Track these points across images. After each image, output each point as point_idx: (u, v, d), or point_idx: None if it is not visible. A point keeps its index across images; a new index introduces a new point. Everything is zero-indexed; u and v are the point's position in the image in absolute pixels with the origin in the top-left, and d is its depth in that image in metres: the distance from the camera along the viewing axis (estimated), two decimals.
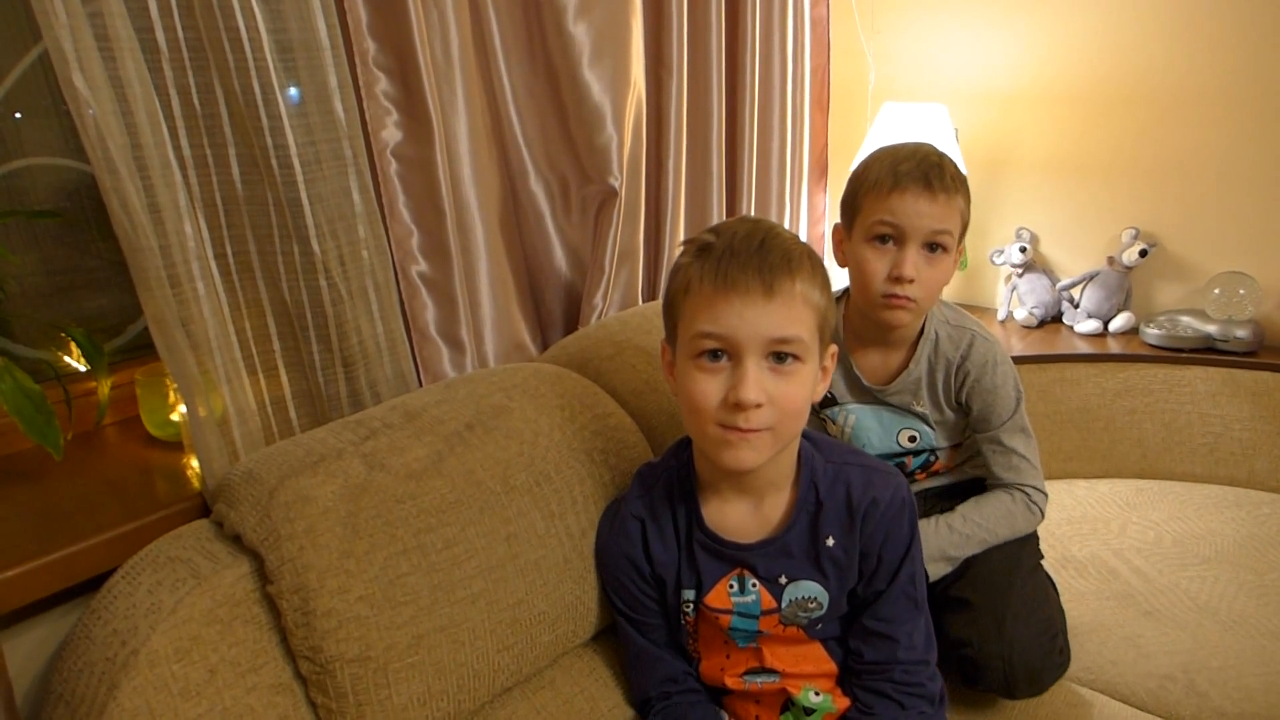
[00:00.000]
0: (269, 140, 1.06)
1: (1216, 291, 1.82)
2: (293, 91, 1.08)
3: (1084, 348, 1.90)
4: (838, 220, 1.26)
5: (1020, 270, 2.07)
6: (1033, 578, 1.27)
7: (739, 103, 1.82)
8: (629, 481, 1.11)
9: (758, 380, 0.87)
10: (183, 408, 1.07)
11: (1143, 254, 1.90)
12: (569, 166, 1.54)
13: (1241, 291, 1.80)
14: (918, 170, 1.14)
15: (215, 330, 1.06)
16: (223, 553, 0.95)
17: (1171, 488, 1.75)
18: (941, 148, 1.20)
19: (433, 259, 1.33)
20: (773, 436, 0.90)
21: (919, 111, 1.96)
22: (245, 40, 1.02)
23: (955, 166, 1.17)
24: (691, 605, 1.04)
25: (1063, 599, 1.35)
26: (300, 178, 1.09)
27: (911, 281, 1.14)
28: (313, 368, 1.18)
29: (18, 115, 1.23)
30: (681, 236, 1.74)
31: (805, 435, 1.00)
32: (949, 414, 1.29)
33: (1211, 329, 1.79)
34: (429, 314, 1.35)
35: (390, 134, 1.26)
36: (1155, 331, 1.84)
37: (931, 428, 1.30)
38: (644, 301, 1.69)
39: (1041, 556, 1.33)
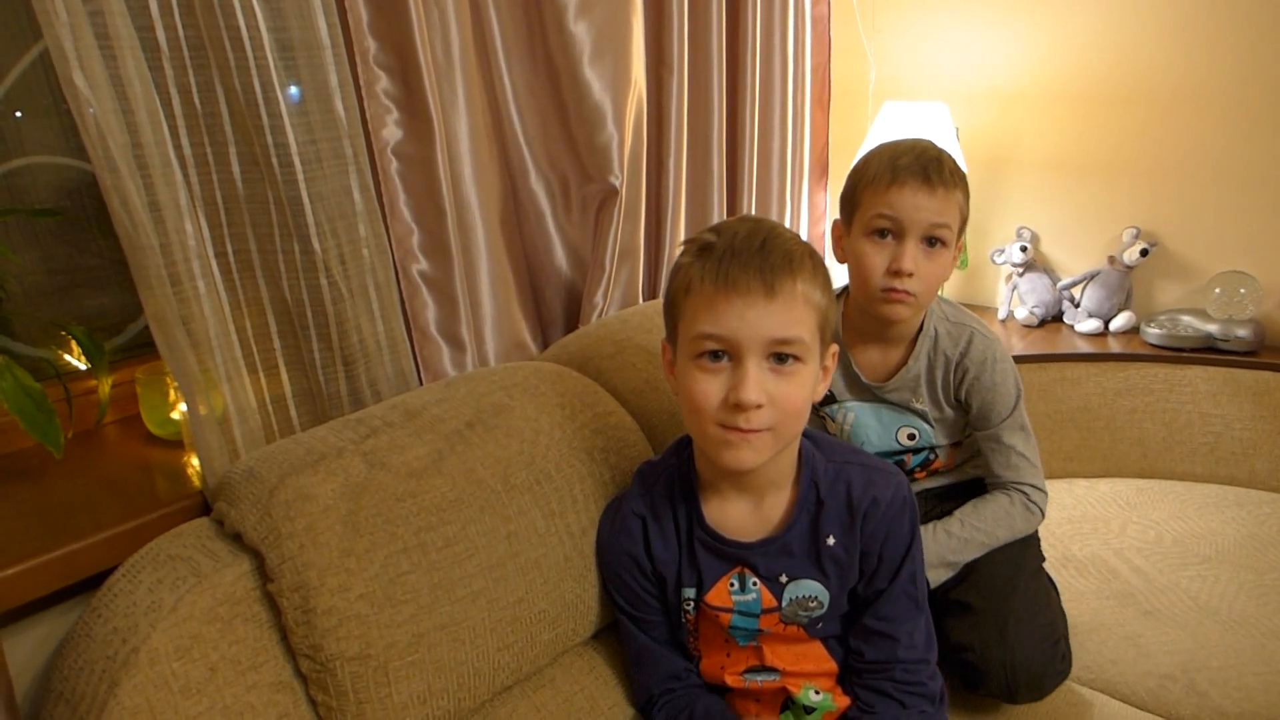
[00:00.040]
0: (269, 139, 1.06)
1: (1217, 291, 1.82)
2: (293, 90, 1.08)
3: (1085, 347, 1.90)
4: (837, 217, 1.27)
5: (1021, 269, 2.07)
6: (1035, 581, 1.27)
7: (740, 101, 1.82)
8: (629, 480, 1.11)
9: (758, 381, 0.87)
10: (183, 406, 1.07)
11: (1143, 253, 1.90)
12: (569, 165, 1.54)
13: (1242, 291, 1.80)
14: (916, 164, 1.14)
15: (216, 329, 1.06)
16: (223, 551, 0.95)
17: (1172, 487, 1.75)
18: (942, 146, 1.20)
19: (433, 257, 1.33)
20: (773, 437, 0.90)
21: (920, 110, 1.96)
22: (246, 39, 1.02)
23: (954, 161, 1.17)
24: (692, 603, 1.04)
25: (1063, 598, 1.35)
26: (301, 176, 1.09)
27: (910, 275, 1.15)
28: (313, 366, 1.18)
29: (18, 114, 1.23)
30: (682, 235, 1.74)
31: (806, 434, 1.00)
32: (948, 411, 1.29)
33: (1212, 328, 1.79)
34: (429, 312, 1.35)
35: (391, 132, 1.26)
36: (1156, 331, 1.84)
37: (931, 425, 1.30)
38: (644, 300, 1.69)
39: (1043, 559, 1.33)
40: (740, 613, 1.02)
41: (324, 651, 0.89)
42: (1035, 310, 2.03)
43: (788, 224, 2.02)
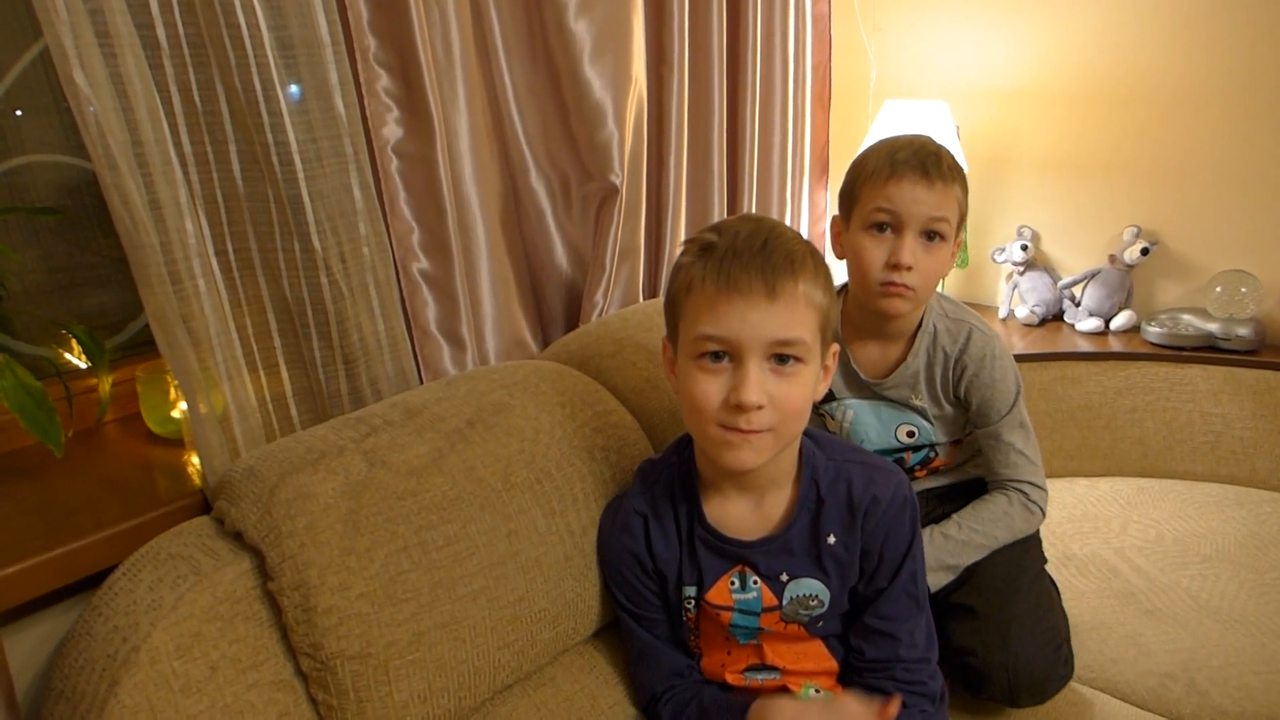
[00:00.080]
0: (270, 137, 1.06)
1: (1218, 290, 1.82)
2: (293, 88, 1.08)
3: (1085, 346, 1.90)
4: (836, 213, 1.27)
5: (1021, 268, 2.06)
6: (1037, 584, 1.27)
7: (740, 100, 1.81)
8: (630, 479, 1.11)
9: (759, 382, 0.87)
10: (183, 404, 1.07)
11: (1144, 252, 1.90)
12: (570, 164, 1.54)
13: (1243, 290, 1.79)
14: (915, 158, 1.14)
15: (216, 327, 1.06)
16: (224, 550, 0.95)
17: (1172, 486, 1.75)
18: (941, 143, 1.20)
19: (434, 256, 1.33)
20: (774, 437, 0.90)
21: (920, 109, 1.96)
22: (246, 37, 1.02)
23: (952, 157, 1.18)
24: (693, 602, 1.04)
25: (1064, 597, 1.35)
26: (301, 174, 1.09)
27: (909, 269, 1.15)
28: (313, 365, 1.18)
29: (18, 112, 1.23)
30: (682, 234, 1.74)
31: (807, 433, 1.00)
32: (947, 408, 1.29)
33: (1213, 327, 1.79)
34: (430, 311, 1.35)
35: (391, 131, 1.26)
36: (1156, 330, 1.84)
37: (930, 422, 1.30)
38: (645, 299, 1.69)
39: (1045, 560, 1.33)
40: (741, 611, 1.02)
41: (324, 650, 0.89)
42: (1036, 309, 2.03)
43: (788, 223, 2.02)
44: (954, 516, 1.25)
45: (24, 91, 1.22)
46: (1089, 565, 1.50)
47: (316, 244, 1.12)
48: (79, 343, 1.16)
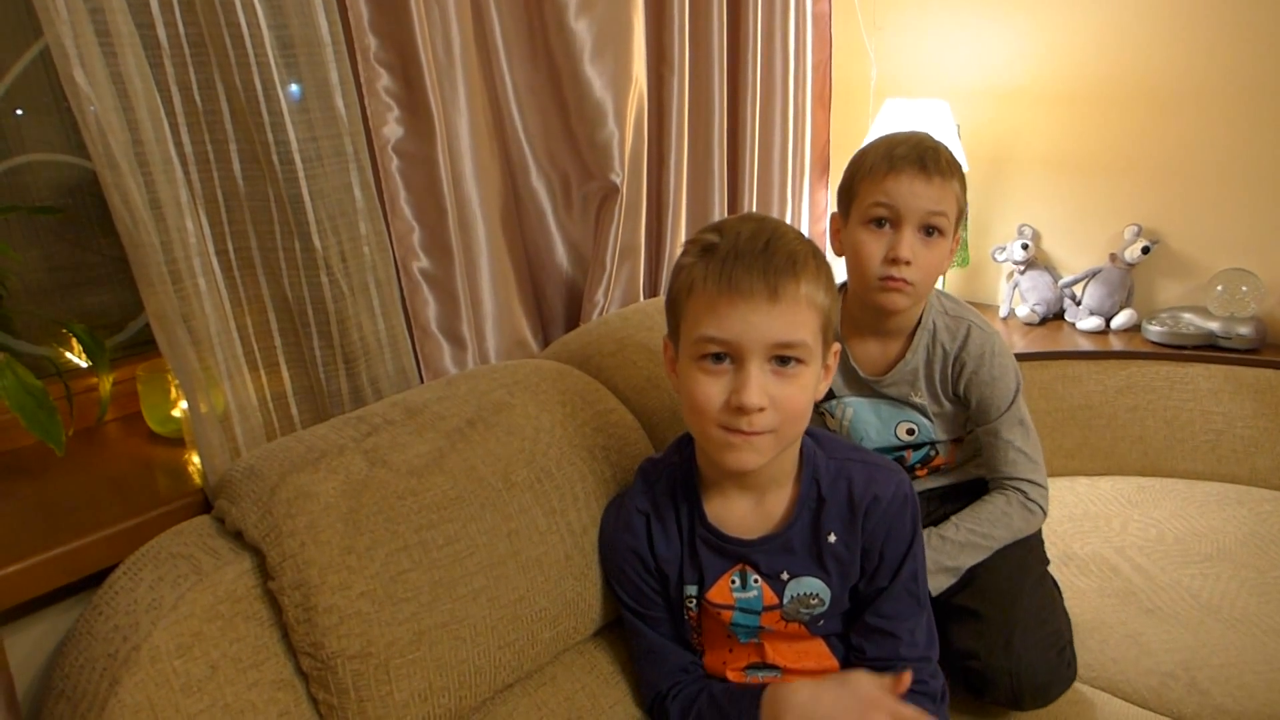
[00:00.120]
0: (270, 136, 1.06)
1: (1219, 288, 1.82)
2: (294, 87, 1.08)
3: (1086, 345, 1.90)
4: (835, 210, 1.27)
5: (1022, 267, 2.06)
6: (1040, 587, 1.27)
7: (740, 99, 1.81)
8: (630, 478, 1.11)
9: (760, 384, 0.87)
10: (184, 404, 1.07)
11: (1145, 251, 1.90)
12: (570, 163, 1.54)
13: (1244, 288, 1.79)
14: (913, 153, 1.15)
15: (217, 326, 1.06)
16: (224, 549, 0.95)
17: (1173, 485, 1.75)
18: (939, 140, 1.20)
19: (434, 255, 1.33)
20: (775, 439, 0.90)
21: (921, 108, 1.96)
22: (246, 36, 1.01)
23: (950, 153, 1.18)
24: (694, 601, 1.04)
25: (1064, 596, 1.34)
26: (301, 174, 1.09)
27: (908, 263, 1.15)
28: (314, 364, 1.18)
29: (19, 111, 1.23)
30: (683, 233, 1.74)
31: (808, 432, 0.99)
32: (947, 406, 1.29)
33: (1214, 326, 1.79)
34: (430, 310, 1.35)
35: (392, 130, 1.26)
36: (1157, 329, 1.84)
37: (930, 420, 1.30)
38: (645, 298, 1.69)
39: (1047, 561, 1.32)
40: (741, 610, 1.02)
41: (325, 649, 0.89)
42: (1036, 308, 2.03)
43: (789, 222, 2.02)
44: (952, 518, 1.25)
45: (24, 91, 1.22)
46: (1090, 564, 1.50)
47: (317, 243, 1.12)
48: (79, 342, 1.16)
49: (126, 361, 1.29)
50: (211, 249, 1.08)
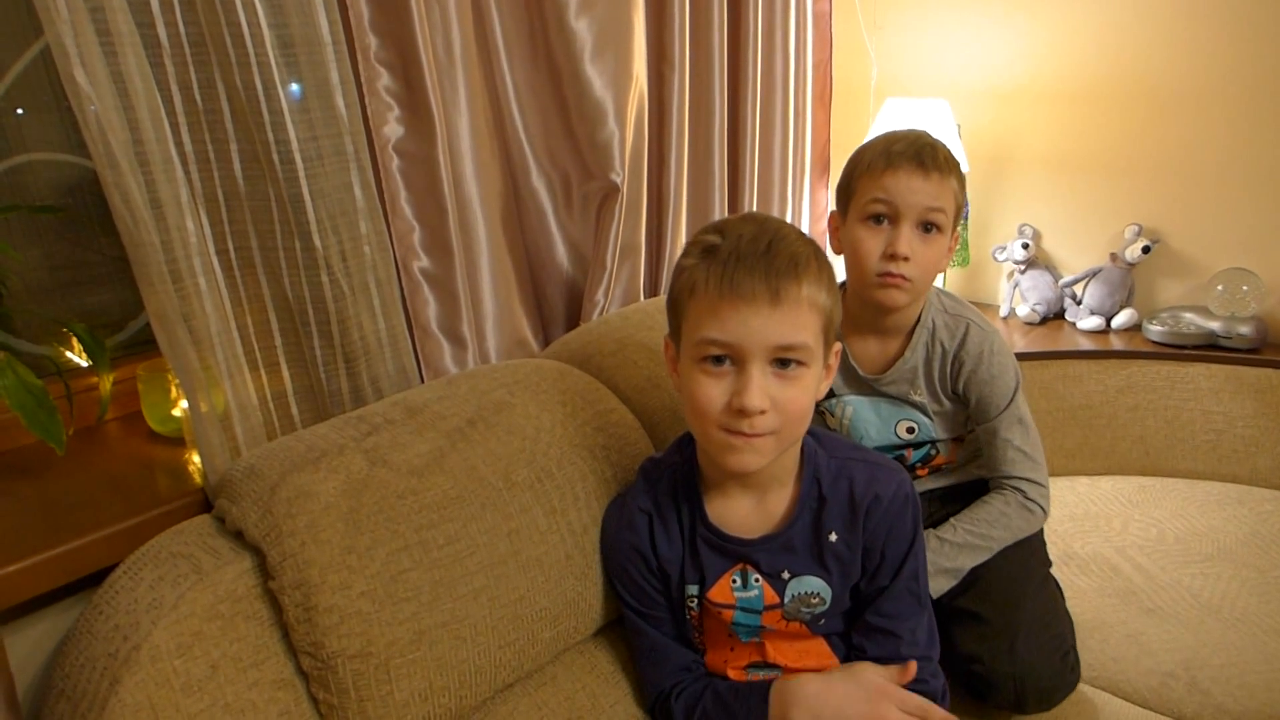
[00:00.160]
0: (270, 135, 1.06)
1: (1220, 288, 1.82)
2: (294, 87, 1.08)
3: (1086, 344, 1.89)
4: (834, 208, 1.27)
5: (1023, 267, 2.06)
6: (1043, 589, 1.27)
7: (741, 98, 1.81)
8: (631, 478, 1.11)
9: (762, 386, 0.87)
10: (184, 403, 1.07)
11: (1145, 250, 1.90)
12: (571, 162, 1.54)
13: (1245, 288, 1.79)
14: (911, 149, 1.15)
15: (217, 325, 1.06)
16: (224, 548, 0.95)
17: (1174, 485, 1.75)
18: (938, 138, 1.20)
19: (434, 254, 1.33)
20: (776, 440, 0.90)
21: (921, 107, 1.96)
22: (247, 35, 1.01)
23: (948, 150, 1.18)
24: (695, 600, 1.04)
25: (1065, 596, 1.34)
26: (302, 173, 1.09)
27: (906, 259, 1.15)
28: (314, 363, 1.18)
29: (19, 110, 1.23)
30: (684, 232, 1.74)
31: (809, 431, 0.99)
32: (947, 404, 1.29)
33: (1214, 325, 1.79)
34: (431, 310, 1.35)
35: (392, 129, 1.26)
36: (1158, 328, 1.84)
37: (930, 418, 1.30)
38: (646, 297, 1.69)
39: (1050, 564, 1.32)
40: (742, 609, 1.02)
41: (325, 649, 0.89)
42: (1037, 307, 2.03)
43: (789, 221, 2.02)
44: (951, 520, 1.25)
45: (25, 90, 1.22)
46: (1090, 564, 1.50)
47: (317, 242, 1.12)
48: (80, 341, 1.16)
49: (127, 361, 1.29)
50: (212, 248, 1.08)
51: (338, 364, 1.19)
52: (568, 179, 1.55)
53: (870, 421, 1.32)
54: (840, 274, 1.11)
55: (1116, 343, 1.89)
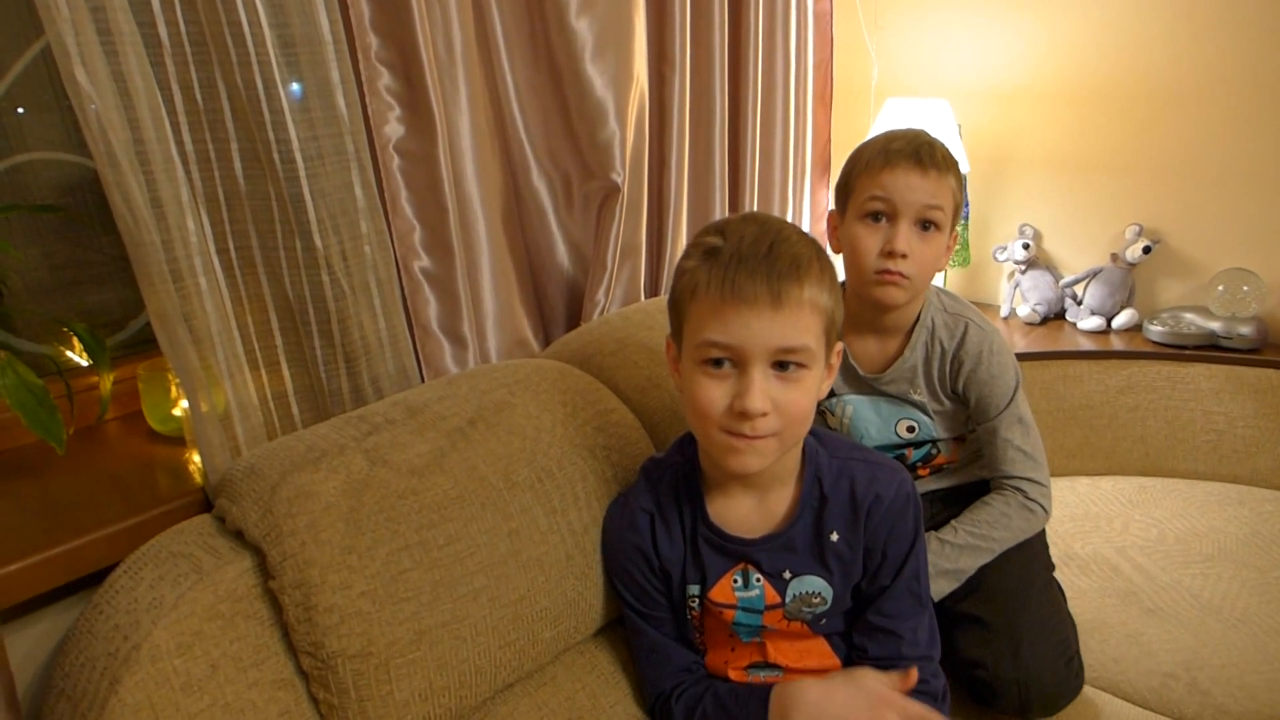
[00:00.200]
0: (271, 135, 1.06)
1: (1220, 288, 1.82)
2: (295, 86, 1.08)
3: (1087, 345, 1.89)
4: (833, 207, 1.27)
5: (1023, 267, 2.06)
6: (1046, 594, 1.26)
7: (742, 98, 1.81)
8: (631, 478, 1.11)
9: (763, 389, 0.87)
10: (185, 403, 1.07)
11: (1146, 250, 1.90)
12: (571, 162, 1.54)
13: (1245, 288, 1.79)
14: (908, 147, 1.15)
15: (217, 325, 1.06)
16: (225, 548, 0.95)
17: (1174, 485, 1.75)
18: (937, 137, 1.20)
19: (435, 254, 1.33)
20: (778, 442, 0.90)
21: (922, 107, 1.96)
22: (248, 35, 1.01)
23: (946, 148, 1.18)
24: (696, 600, 1.04)
25: (1066, 597, 1.34)
26: (302, 173, 1.09)
27: (904, 257, 1.15)
28: (315, 363, 1.18)
29: (20, 110, 1.23)
30: (684, 232, 1.74)
31: (811, 431, 0.99)
32: (947, 404, 1.28)
33: (1215, 326, 1.79)
34: (431, 309, 1.35)
35: (393, 129, 1.26)
36: (1158, 328, 1.84)
37: (930, 417, 1.30)
38: (646, 297, 1.69)
39: (1053, 567, 1.32)
40: (743, 609, 1.02)
41: (325, 649, 0.89)
42: (1037, 308, 2.03)
43: (790, 221, 2.02)
44: (952, 522, 1.24)
45: (26, 89, 1.22)
46: (1090, 564, 1.50)
47: (318, 242, 1.12)
48: (80, 340, 1.16)
49: (127, 360, 1.29)
50: (212, 248, 1.08)
51: (338, 363, 1.19)
52: (568, 179, 1.55)
53: (870, 421, 1.32)
54: (840, 273, 1.11)
55: (1117, 343, 1.89)
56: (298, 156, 1.08)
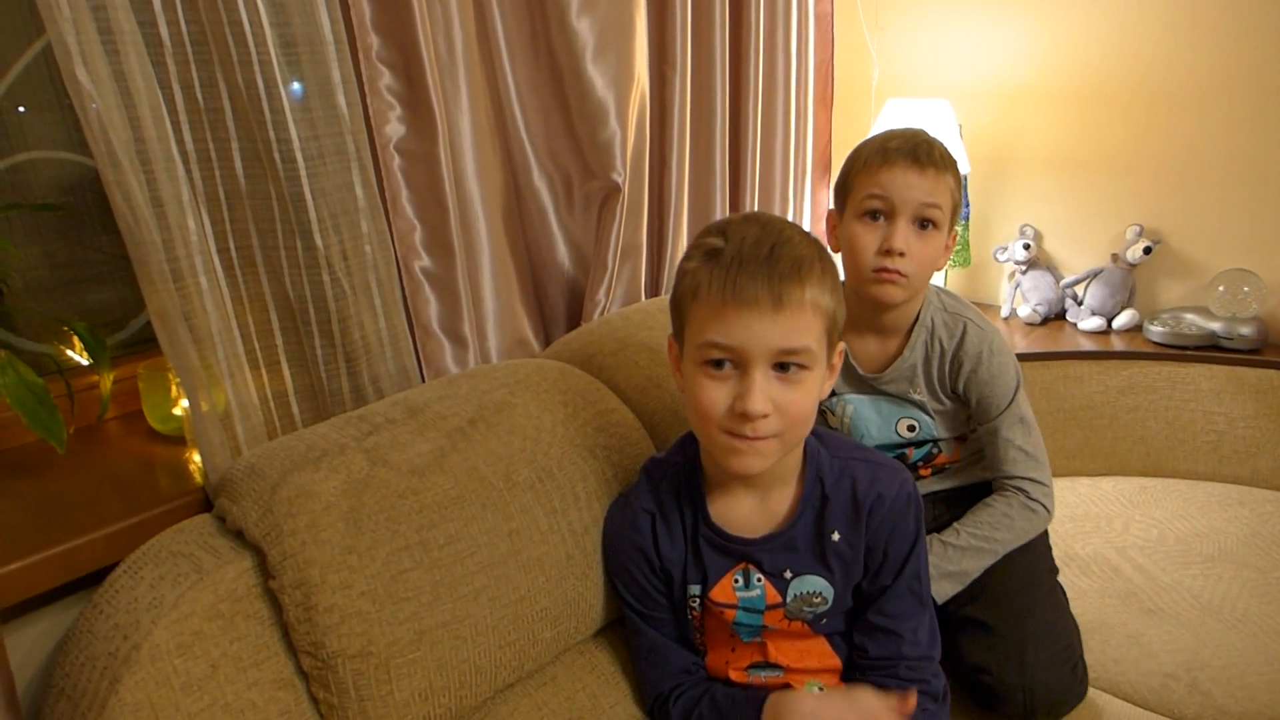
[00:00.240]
0: (272, 134, 1.06)
1: (1221, 289, 1.81)
2: (296, 86, 1.08)
3: (1087, 345, 1.89)
4: (832, 207, 1.27)
5: (1024, 267, 2.06)
6: (1051, 599, 1.26)
7: (742, 98, 1.81)
8: (632, 478, 1.11)
9: (764, 390, 0.87)
10: (185, 402, 1.07)
11: (1147, 251, 1.90)
12: (572, 162, 1.54)
13: (1246, 289, 1.79)
14: (906, 146, 1.16)
15: (218, 324, 1.06)
16: (225, 548, 0.95)
17: (1175, 485, 1.75)
18: (937, 137, 1.20)
19: (436, 254, 1.32)
20: (779, 443, 0.90)
21: (923, 107, 1.96)
22: (249, 34, 1.01)
23: (944, 147, 1.18)
24: (697, 600, 1.04)
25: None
26: (303, 172, 1.09)
27: (902, 255, 1.15)
28: (315, 362, 1.18)
29: (21, 109, 1.23)
30: (685, 232, 1.74)
31: (812, 431, 0.99)
32: (947, 403, 1.28)
33: (1215, 326, 1.79)
34: (432, 309, 1.34)
35: (393, 129, 1.26)
36: (1159, 329, 1.84)
37: (931, 416, 1.29)
38: (647, 297, 1.69)
39: (1056, 571, 1.32)
40: (744, 609, 1.02)
41: (325, 649, 0.89)
42: (1038, 308, 2.02)
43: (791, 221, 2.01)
44: (954, 524, 1.24)
45: (27, 88, 1.22)
46: (1091, 565, 1.50)
47: (319, 241, 1.12)
48: (81, 339, 1.16)
49: (128, 359, 1.29)
50: (213, 247, 1.08)
51: (339, 363, 1.19)
52: (569, 178, 1.55)
53: (871, 420, 1.31)
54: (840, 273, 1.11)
55: (1117, 343, 1.89)
56: (298, 156, 1.08)
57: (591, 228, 1.59)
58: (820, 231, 2.21)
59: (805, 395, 0.89)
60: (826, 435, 1.04)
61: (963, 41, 2.07)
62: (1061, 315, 2.05)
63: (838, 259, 1.22)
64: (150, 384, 1.21)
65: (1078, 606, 1.36)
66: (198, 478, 1.11)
